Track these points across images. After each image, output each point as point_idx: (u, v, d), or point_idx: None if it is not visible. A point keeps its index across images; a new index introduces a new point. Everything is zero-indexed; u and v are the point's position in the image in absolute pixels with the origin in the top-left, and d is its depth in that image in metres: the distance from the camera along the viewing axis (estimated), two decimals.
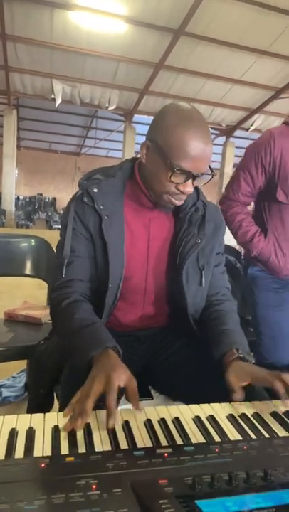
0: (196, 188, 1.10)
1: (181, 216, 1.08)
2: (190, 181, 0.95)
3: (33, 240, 1.68)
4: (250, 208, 1.65)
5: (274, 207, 1.53)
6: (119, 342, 1.10)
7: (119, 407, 0.74)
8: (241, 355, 0.91)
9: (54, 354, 1.12)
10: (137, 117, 10.89)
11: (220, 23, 7.06)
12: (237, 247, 2.03)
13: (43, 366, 1.16)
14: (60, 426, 0.67)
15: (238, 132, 11.42)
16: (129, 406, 0.76)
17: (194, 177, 0.95)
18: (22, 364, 2.00)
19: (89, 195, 1.02)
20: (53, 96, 9.83)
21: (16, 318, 1.71)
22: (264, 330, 1.56)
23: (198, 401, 0.85)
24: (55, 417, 0.70)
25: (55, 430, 0.66)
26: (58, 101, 9.91)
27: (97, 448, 0.61)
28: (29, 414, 0.70)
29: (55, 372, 1.10)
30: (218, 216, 1.15)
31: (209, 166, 0.97)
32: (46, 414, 0.71)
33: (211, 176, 1.00)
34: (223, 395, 0.88)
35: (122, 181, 1.07)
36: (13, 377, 2.07)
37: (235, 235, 1.59)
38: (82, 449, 0.61)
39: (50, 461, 0.56)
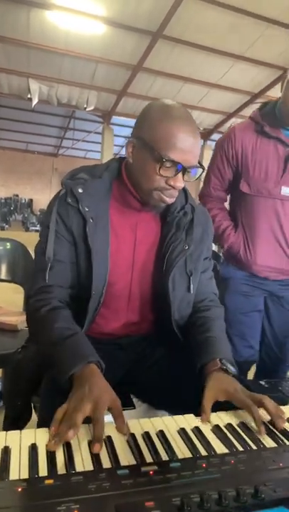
0: (185, 191, 1.08)
1: (169, 220, 1.04)
2: (180, 175, 0.91)
3: (8, 244, 1.62)
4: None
5: (241, 199, 1.56)
6: (99, 350, 1.07)
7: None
8: (224, 367, 0.88)
9: (32, 363, 1.07)
10: (115, 119, 10.83)
11: (197, 27, 7.11)
12: (216, 249, 2.04)
13: (21, 376, 1.11)
14: (38, 443, 0.63)
15: (215, 136, 11.53)
16: (111, 418, 0.72)
17: (184, 170, 0.91)
18: None
19: (73, 196, 0.96)
20: (29, 96, 9.67)
21: None
22: (233, 332, 1.54)
23: (182, 409, 0.83)
24: (32, 434, 0.66)
25: (32, 449, 0.61)
26: (35, 101, 9.75)
27: (78, 468, 0.58)
28: (4, 432, 0.66)
29: (33, 383, 1.05)
30: (206, 220, 1.12)
31: (199, 162, 0.93)
32: (23, 431, 0.67)
33: (201, 171, 0.96)
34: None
35: (109, 182, 1.02)
36: None
37: None
38: (62, 469, 0.57)
39: (27, 484, 0.52)
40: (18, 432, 0.66)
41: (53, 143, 17.52)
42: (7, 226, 15.35)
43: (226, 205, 1.66)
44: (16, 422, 1.10)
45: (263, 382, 1.24)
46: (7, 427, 1.10)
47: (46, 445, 0.62)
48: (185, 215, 1.05)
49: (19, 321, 1.62)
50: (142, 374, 1.08)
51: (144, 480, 0.53)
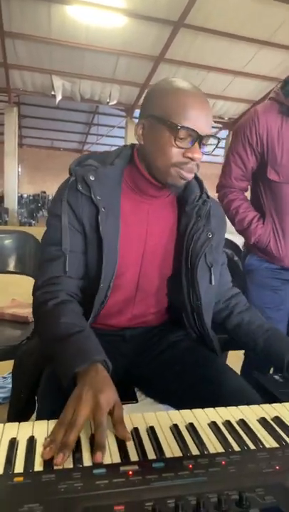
0: (199, 181, 1.03)
1: (188, 210, 0.99)
2: (197, 145, 0.86)
3: (19, 236, 1.62)
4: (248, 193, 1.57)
5: (268, 187, 1.44)
6: (103, 341, 1.03)
7: None
8: None
9: (36, 355, 1.05)
10: (138, 112, 10.80)
11: (220, 14, 6.94)
12: (235, 239, 1.95)
13: (25, 367, 1.09)
14: (19, 438, 0.60)
15: None
16: None
17: (200, 140, 0.86)
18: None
19: (85, 184, 0.91)
20: (53, 92, 9.77)
21: (3, 316, 1.65)
22: None
23: (185, 403, 0.78)
24: (15, 428, 0.63)
25: (12, 443, 0.58)
26: (59, 97, 9.85)
27: (55, 466, 0.54)
28: None
29: (37, 375, 1.03)
30: (220, 212, 1.08)
31: (213, 135, 0.89)
32: (6, 424, 0.64)
33: (217, 141, 0.92)
34: (213, 397, 0.81)
35: (121, 168, 0.98)
36: (4, 377, 2.02)
37: (232, 222, 1.49)
38: (39, 466, 0.54)
39: None
40: (1, 425, 0.63)
41: (77, 139, 17.69)
42: (34, 222, 15.65)
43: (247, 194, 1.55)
44: (20, 414, 1.08)
45: (277, 377, 1.17)
46: (11, 420, 1.09)
47: (42, 455, 0.56)
48: (204, 204, 1.00)
49: (31, 312, 1.61)
50: (146, 367, 1.04)
51: (120, 481, 0.49)
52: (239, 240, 1.64)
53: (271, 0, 6.47)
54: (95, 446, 0.58)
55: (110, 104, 10.27)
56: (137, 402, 1.01)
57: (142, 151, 0.94)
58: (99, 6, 6.93)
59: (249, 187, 1.55)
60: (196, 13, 6.95)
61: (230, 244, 1.96)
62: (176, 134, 0.84)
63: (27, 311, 1.63)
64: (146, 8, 6.99)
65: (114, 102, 10.12)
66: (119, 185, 0.97)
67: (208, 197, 1.02)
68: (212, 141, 0.92)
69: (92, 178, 0.92)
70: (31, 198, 19.34)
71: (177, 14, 7.03)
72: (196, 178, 1.04)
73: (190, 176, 0.91)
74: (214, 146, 0.93)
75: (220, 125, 11.69)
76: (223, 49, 8.04)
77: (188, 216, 0.99)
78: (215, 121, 10.94)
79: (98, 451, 0.56)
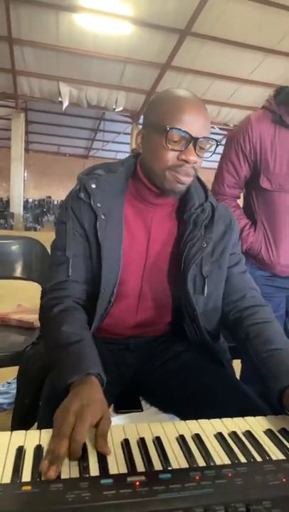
0: (205, 189, 1.03)
1: (186, 218, 0.99)
2: (191, 147, 0.86)
3: (26, 242, 1.63)
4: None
5: (260, 195, 1.44)
6: (108, 350, 1.04)
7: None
8: None
9: (41, 361, 1.05)
10: None
11: (226, 22, 6.99)
12: None
13: (29, 374, 1.10)
14: (26, 446, 0.61)
15: None
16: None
17: (195, 142, 0.86)
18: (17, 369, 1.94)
19: (86, 191, 0.95)
20: (60, 99, 9.86)
21: (9, 322, 1.65)
22: None
23: (190, 413, 0.78)
24: (22, 436, 0.63)
25: (19, 451, 0.59)
26: (66, 103, 9.93)
27: (64, 474, 0.54)
28: None
29: (41, 381, 1.04)
30: (229, 215, 1.05)
31: (210, 138, 0.89)
32: (13, 432, 0.64)
33: (215, 142, 0.91)
34: (217, 407, 0.81)
35: (125, 177, 1.00)
36: (8, 383, 2.02)
37: None
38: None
39: (3, 490, 0.49)
40: (8, 433, 0.64)
41: (83, 145, 17.80)
42: (39, 227, 15.72)
43: (239, 202, 1.56)
44: (24, 420, 1.08)
45: None
46: (14, 427, 1.09)
47: (40, 468, 0.55)
48: (203, 212, 0.99)
49: (36, 318, 1.62)
50: (151, 376, 1.04)
51: (127, 492, 0.49)
52: None
53: (277, 9, 6.52)
54: (70, 454, 0.58)
55: (116, 110, 10.35)
56: (142, 410, 1.00)
57: (142, 159, 0.96)
58: (106, 14, 7.00)
59: (242, 194, 1.56)
60: (203, 21, 7.00)
61: None
62: (168, 137, 0.85)
63: (33, 317, 1.63)
64: (153, 16, 7.06)
65: (121, 108, 10.19)
66: (123, 193, 0.99)
67: (212, 205, 1.01)
68: (213, 147, 0.92)
69: (93, 186, 0.95)
70: (36, 202, 19.44)
71: (184, 22, 7.09)
72: (201, 185, 1.05)
73: (187, 180, 0.91)
74: (213, 150, 0.92)
75: (225, 132, 11.73)
76: (229, 57, 8.09)
77: (185, 224, 0.99)
78: (220, 129, 10.99)
79: (73, 459, 0.57)
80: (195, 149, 0.87)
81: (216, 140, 0.92)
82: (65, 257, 0.94)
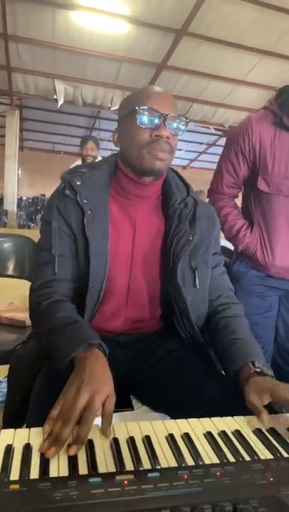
0: (186, 185, 1.06)
1: (170, 213, 1.02)
2: (162, 123, 0.91)
3: (17, 240, 1.62)
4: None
5: (258, 197, 1.45)
6: None
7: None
8: (258, 370, 0.83)
9: (31, 359, 1.05)
10: None
11: (223, 23, 6.98)
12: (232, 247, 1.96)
13: (20, 372, 1.10)
14: (15, 444, 0.60)
15: None
16: (96, 421, 0.69)
17: (164, 117, 0.91)
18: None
19: (71, 188, 0.96)
20: (55, 96, 9.80)
21: (0, 320, 1.64)
22: None
23: (180, 412, 0.78)
24: (11, 434, 0.63)
25: (8, 450, 0.59)
26: (61, 101, 9.87)
27: (53, 473, 0.54)
28: None
29: (31, 379, 1.03)
30: (211, 213, 1.08)
31: (180, 115, 0.94)
32: (2, 430, 0.64)
33: (184, 119, 0.96)
34: (207, 406, 0.81)
35: (108, 174, 1.02)
36: None
37: (222, 229, 1.52)
38: (34, 473, 0.54)
39: None
40: None
41: (78, 143, 17.70)
42: (33, 225, 15.63)
43: (237, 201, 1.57)
44: (15, 418, 1.08)
45: None
46: (5, 425, 1.09)
47: (39, 448, 0.58)
48: (186, 207, 1.02)
49: (27, 317, 1.61)
50: (142, 374, 1.04)
51: (115, 490, 0.49)
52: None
53: (274, 11, 6.53)
54: (75, 439, 0.60)
55: (112, 109, 10.31)
56: (132, 409, 1.01)
57: (120, 151, 1.01)
58: (103, 12, 6.97)
59: (241, 194, 1.57)
60: (199, 21, 6.99)
61: (228, 251, 1.97)
62: (139, 115, 0.91)
63: (24, 316, 1.63)
64: (150, 15, 7.04)
65: (116, 107, 10.14)
66: (107, 189, 1.01)
67: (194, 200, 1.04)
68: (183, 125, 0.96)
69: (78, 182, 0.97)
70: (30, 200, 19.32)
71: (180, 22, 7.07)
72: (182, 181, 1.08)
73: (163, 155, 0.94)
74: (185, 124, 0.96)
75: (220, 132, 11.76)
76: (225, 58, 8.08)
77: (171, 219, 1.01)
78: (215, 129, 11.01)
79: (75, 444, 0.59)
80: (167, 125, 0.91)
81: (185, 117, 0.96)
82: (51, 256, 0.95)
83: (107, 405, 0.68)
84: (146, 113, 0.91)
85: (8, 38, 7.64)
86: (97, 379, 0.69)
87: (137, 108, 0.91)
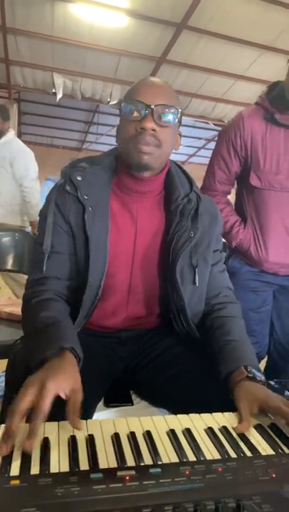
0: (190, 180, 1.05)
1: (172, 209, 1.00)
2: (148, 115, 0.88)
3: (16, 234, 1.61)
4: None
5: (250, 193, 1.45)
6: (99, 343, 1.03)
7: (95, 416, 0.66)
8: (251, 375, 0.81)
9: (27, 355, 1.05)
10: None
11: (223, 18, 6.93)
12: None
13: (17, 368, 1.09)
14: (18, 440, 0.60)
15: None
16: (102, 415, 0.68)
17: (151, 109, 0.88)
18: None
19: (72, 184, 0.95)
20: (54, 90, 9.72)
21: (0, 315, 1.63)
22: None
23: (180, 407, 0.78)
24: None
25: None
26: (59, 95, 9.79)
27: (53, 469, 0.54)
28: None
29: (28, 376, 1.03)
30: (214, 209, 1.07)
31: (168, 105, 0.90)
32: (2, 426, 0.63)
33: (174, 109, 0.91)
34: (207, 402, 0.81)
35: (109, 169, 1.00)
36: None
37: None
38: (35, 469, 0.54)
39: None
40: None
41: (77, 137, 17.62)
42: None
43: (230, 197, 1.57)
44: None
45: (272, 383, 1.18)
46: (4, 420, 1.08)
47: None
48: (189, 202, 1.00)
49: None
50: (142, 369, 1.04)
51: (117, 486, 0.49)
52: None
53: (274, 5, 6.49)
54: (28, 432, 0.56)
55: (111, 103, 10.24)
56: (132, 404, 1.00)
57: (117, 147, 1.00)
58: (102, 5, 6.90)
59: (234, 191, 1.56)
60: (200, 15, 6.94)
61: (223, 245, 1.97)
62: (124, 109, 0.90)
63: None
64: (150, 8, 6.98)
65: (115, 101, 10.08)
66: (108, 185, 0.99)
67: (198, 195, 1.02)
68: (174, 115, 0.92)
69: (79, 178, 0.95)
70: None
71: (180, 16, 7.02)
72: (186, 176, 1.06)
73: (146, 149, 0.91)
74: (175, 114, 0.92)
75: (219, 128, 11.70)
76: (225, 52, 8.03)
77: (172, 215, 1.00)
78: (215, 124, 10.95)
79: (28, 439, 0.55)
80: (153, 117, 0.89)
81: (174, 107, 0.92)
82: (43, 252, 0.93)
83: (70, 400, 0.63)
84: (130, 105, 0.90)
85: (7, 31, 7.57)
86: (53, 372, 0.65)
87: (122, 101, 0.91)
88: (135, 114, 0.90)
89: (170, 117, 0.91)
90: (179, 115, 0.93)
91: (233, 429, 0.67)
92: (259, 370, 0.86)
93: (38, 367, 0.70)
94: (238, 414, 0.72)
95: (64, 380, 0.65)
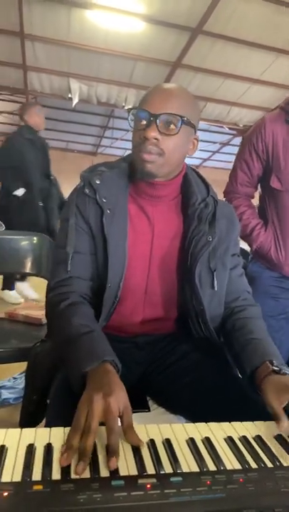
0: (206, 184, 1.05)
1: (190, 213, 1.00)
2: (152, 124, 0.88)
3: (35, 238, 1.63)
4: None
5: (271, 196, 1.46)
6: (115, 348, 1.04)
7: None
8: (276, 368, 0.81)
9: (49, 358, 1.06)
10: None
11: (238, 22, 6.92)
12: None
13: (37, 370, 1.10)
14: (37, 444, 0.60)
15: None
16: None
17: (155, 118, 0.88)
18: (24, 365, 1.95)
19: (91, 187, 0.96)
20: (70, 95, 9.84)
21: (16, 317, 1.66)
22: None
23: (197, 414, 0.78)
24: (33, 433, 0.63)
25: (29, 449, 0.59)
26: (75, 100, 9.91)
27: (74, 474, 0.54)
28: (3, 430, 0.63)
29: (49, 378, 1.04)
30: (231, 213, 1.07)
31: (173, 113, 0.89)
32: (23, 429, 0.64)
33: (179, 118, 0.89)
34: (229, 408, 0.81)
35: (127, 174, 1.02)
36: (14, 378, 2.03)
37: None
38: (56, 475, 0.54)
39: (14, 489, 0.49)
40: (18, 430, 0.64)
41: (92, 142, 17.77)
42: None
43: (254, 201, 1.57)
44: (32, 416, 1.09)
45: None
46: (23, 424, 1.10)
47: (59, 461, 0.56)
48: (206, 207, 1.00)
49: (43, 314, 1.62)
50: (159, 375, 1.04)
51: (139, 494, 0.49)
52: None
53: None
54: (109, 452, 0.58)
55: (126, 108, 10.32)
56: (149, 410, 1.00)
57: None
58: (118, 11, 6.97)
59: (258, 194, 1.57)
60: (215, 20, 6.94)
61: (243, 253, 1.96)
62: (130, 118, 0.91)
63: (41, 313, 1.64)
64: (165, 14, 7.02)
65: (130, 106, 10.16)
66: (126, 189, 1.01)
67: (215, 200, 1.02)
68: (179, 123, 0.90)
69: (97, 181, 0.97)
70: None
71: (196, 21, 7.03)
72: (202, 180, 1.06)
73: (147, 157, 0.90)
74: (181, 123, 0.89)
75: (234, 132, 11.66)
76: (241, 56, 8.02)
77: (190, 219, 1.00)
78: (229, 128, 10.91)
79: (112, 457, 0.56)
80: (157, 126, 0.88)
81: (179, 115, 0.90)
82: (66, 253, 0.94)
83: (124, 418, 0.65)
84: (137, 114, 0.91)
85: (25, 37, 7.71)
86: (110, 389, 0.67)
87: (131, 109, 0.92)
88: (141, 122, 0.91)
89: (175, 126, 0.90)
90: (187, 123, 0.92)
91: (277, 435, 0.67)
92: (284, 364, 0.85)
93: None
94: (270, 408, 0.73)
95: (120, 399, 0.67)
